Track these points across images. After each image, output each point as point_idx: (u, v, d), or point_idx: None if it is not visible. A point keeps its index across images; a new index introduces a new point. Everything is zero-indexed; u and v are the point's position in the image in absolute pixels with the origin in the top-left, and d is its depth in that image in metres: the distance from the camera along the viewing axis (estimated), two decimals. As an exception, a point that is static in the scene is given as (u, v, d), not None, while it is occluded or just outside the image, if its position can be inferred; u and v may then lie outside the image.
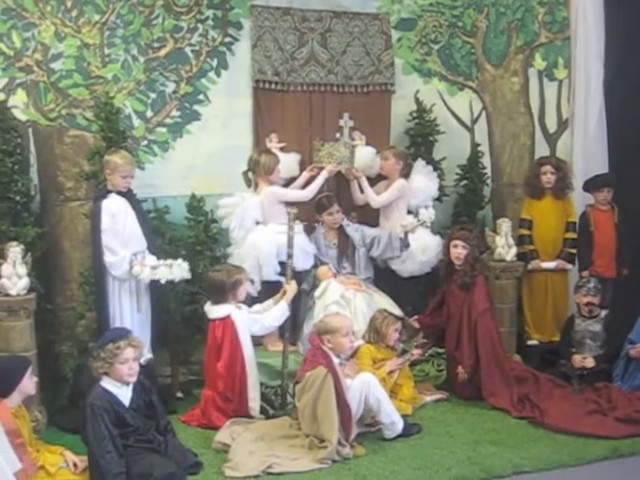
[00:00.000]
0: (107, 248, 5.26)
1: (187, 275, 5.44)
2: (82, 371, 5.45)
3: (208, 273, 5.44)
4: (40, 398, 5.19)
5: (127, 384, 4.40)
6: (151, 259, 5.40)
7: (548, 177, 6.52)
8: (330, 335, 4.91)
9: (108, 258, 5.27)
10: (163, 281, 5.32)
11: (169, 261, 5.38)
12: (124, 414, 4.31)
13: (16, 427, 4.00)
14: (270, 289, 5.89)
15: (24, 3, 5.81)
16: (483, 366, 5.50)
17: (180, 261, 5.42)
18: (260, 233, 5.92)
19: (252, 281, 5.76)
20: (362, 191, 6.42)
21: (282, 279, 5.86)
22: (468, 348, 5.56)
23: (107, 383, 4.35)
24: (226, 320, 5.20)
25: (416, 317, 5.94)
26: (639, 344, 5.54)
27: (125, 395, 4.38)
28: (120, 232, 5.31)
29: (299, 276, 6.12)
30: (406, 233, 6.22)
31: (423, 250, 6.29)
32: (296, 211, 5.60)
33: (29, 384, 4.22)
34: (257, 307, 5.51)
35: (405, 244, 6.22)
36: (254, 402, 5.18)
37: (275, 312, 5.40)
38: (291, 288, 5.50)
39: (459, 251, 5.74)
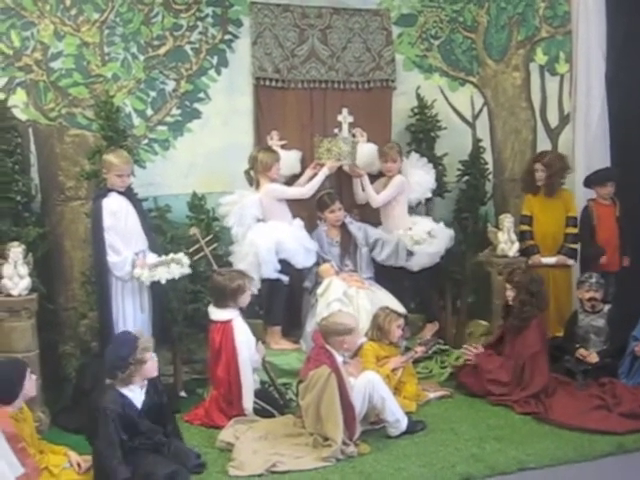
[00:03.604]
0: (111, 247, 5.24)
1: (187, 270, 5.42)
2: (85, 371, 5.47)
3: (213, 274, 5.40)
4: (43, 398, 5.18)
5: (141, 387, 4.38)
6: (152, 257, 5.38)
7: (539, 174, 6.51)
8: (349, 336, 4.90)
9: (112, 258, 5.25)
10: (163, 281, 5.31)
11: (170, 256, 5.36)
12: (135, 419, 4.28)
13: (16, 432, 3.98)
14: (270, 287, 5.88)
15: (23, 2, 5.80)
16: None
17: (181, 255, 5.40)
18: (259, 231, 5.90)
19: (252, 279, 5.74)
20: (363, 189, 6.41)
21: (282, 277, 5.85)
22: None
23: (122, 388, 4.32)
24: (226, 325, 5.17)
25: (471, 354, 5.81)
26: (644, 340, 5.53)
27: (138, 398, 4.36)
28: (121, 231, 5.30)
29: (300, 273, 6.11)
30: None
31: (436, 237, 6.27)
32: (198, 230, 5.62)
33: (30, 386, 4.19)
34: None
35: (411, 254, 6.21)
36: (248, 403, 5.14)
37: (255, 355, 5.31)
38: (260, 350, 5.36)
39: (508, 293, 5.76)
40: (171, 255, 5.39)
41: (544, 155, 6.68)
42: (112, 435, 4.14)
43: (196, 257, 5.54)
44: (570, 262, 6.54)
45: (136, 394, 4.36)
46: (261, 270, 5.81)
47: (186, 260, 5.41)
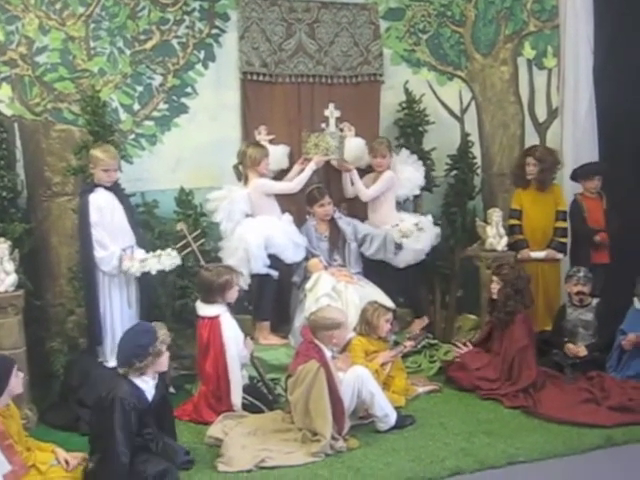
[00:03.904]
0: (98, 242, 5.22)
1: (178, 261, 5.41)
2: (72, 367, 5.44)
3: (200, 270, 5.38)
4: (30, 395, 5.15)
5: (153, 379, 4.35)
6: (140, 252, 5.36)
7: (531, 168, 6.52)
8: (337, 330, 4.89)
9: (98, 253, 5.22)
10: (154, 272, 5.29)
11: (158, 252, 5.35)
12: (145, 413, 4.26)
13: (3, 429, 3.94)
14: (260, 282, 5.86)
15: (7, -4, 5.75)
16: None
17: (169, 250, 5.39)
18: (248, 226, 5.88)
19: (241, 274, 5.73)
20: (352, 184, 6.40)
21: (272, 272, 5.84)
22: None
23: (135, 378, 4.29)
24: (214, 320, 5.15)
25: (460, 351, 5.82)
26: (631, 335, 5.53)
27: (150, 390, 4.33)
28: (108, 226, 5.27)
29: (289, 268, 6.10)
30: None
31: (417, 238, 6.26)
32: (186, 225, 5.60)
33: (16, 383, 4.13)
34: None
35: (399, 247, 6.20)
36: (236, 399, 5.12)
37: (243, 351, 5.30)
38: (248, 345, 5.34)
39: (493, 286, 5.77)
40: (159, 251, 5.36)
41: (535, 149, 6.68)
42: (128, 426, 4.12)
43: (183, 252, 5.52)
44: (559, 256, 6.56)
45: (149, 386, 4.33)
46: (250, 265, 5.80)
47: (175, 253, 5.40)
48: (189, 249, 5.55)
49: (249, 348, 5.29)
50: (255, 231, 5.83)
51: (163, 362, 4.36)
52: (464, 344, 5.91)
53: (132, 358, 4.26)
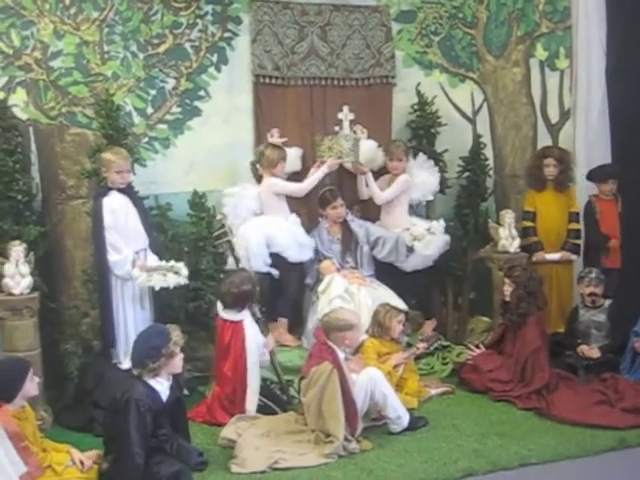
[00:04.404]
0: (111, 246, 5.25)
1: (183, 281, 5.37)
2: (87, 370, 5.47)
3: (228, 281, 5.28)
4: (45, 397, 5.18)
5: (168, 380, 4.39)
6: (153, 259, 5.39)
7: (550, 170, 6.51)
8: (350, 332, 4.90)
9: (112, 257, 5.25)
10: (157, 288, 5.29)
11: (170, 263, 5.36)
12: (160, 414, 4.29)
13: (19, 430, 3.97)
14: (261, 280, 5.87)
15: (22, 1, 5.80)
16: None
17: (181, 265, 5.37)
18: (251, 224, 5.92)
19: None
20: (367, 185, 6.41)
21: (272, 270, 5.84)
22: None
23: (150, 379, 4.32)
24: (238, 324, 5.16)
25: (472, 354, 5.83)
26: (644, 335, 5.53)
27: (165, 392, 4.37)
28: (122, 229, 5.30)
29: (295, 267, 6.09)
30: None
31: (426, 244, 6.27)
32: (224, 217, 5.65)
33: (31, 386, 4.17)
34: None
35: (411, 250, 6.21)
36: (251, 405, 5.13)
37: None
38: (269, 342, 5.36)
39: (505, 288, 5.77)
40: (172, 262, 5.38)
41: (551, 150, 6.68)
42: (143, 427, 4.15)
43: (219, 241, 5.60)
44: (573, 257, 6.54)
45: (164, 388, 4.36)
46: (251, 263, 5.81)
47: (185, 271, 5.37)
48: (225, 239, 5.59)
49: (270, 346, 5.31)
50: (257, 229, 5.86)
51: (176, 363, 4.39)
52: (476, 346, 5.91)
53: (145, 359, 4.30)
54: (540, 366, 5.46)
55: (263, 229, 5.90)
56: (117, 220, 5.28)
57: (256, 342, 5.17)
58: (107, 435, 4.40)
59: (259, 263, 5.83)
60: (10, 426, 3.95)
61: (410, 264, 6.29)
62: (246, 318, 5.20)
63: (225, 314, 5.23)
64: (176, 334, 4.40)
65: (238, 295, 5.17)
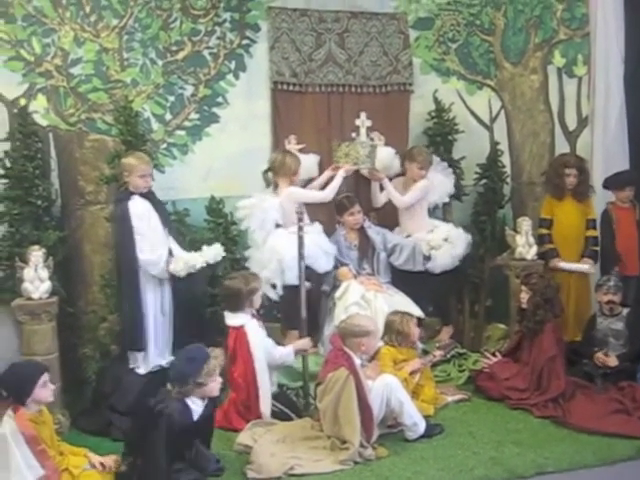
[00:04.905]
0: (145, 245, 5.28)
1: (222, 253, 5.48)
2: (104, 374, 5.51)
3: (224, 281, 5.40)
4: (63, 401, 5.23)
5: (202, 400, 4.43)
6: (184, 255, 5.42)
7: (572, 179, 6.50)
8: (366, 338, 4.91)
9: (147, 255, 5.27)
10: (198, 266, 5.34)
11: (194, 254, 5.42)
12: (189, 429, 4.33)
13: (35, 434, 3.99)
14: (292, 293, 5.88)
15: (44, 9, 5.87)
16: None
17: (205, 247, 5.46)
18: (281, 236, 5.90)
19: (274, 285, 5.77)
20: (381, 191, 6.42)
21: (306, 283, 5.84)
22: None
23: (187, 399, 4.37)
24: (239, 330, 5.18)
25: (489, 362, 5.81)
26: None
27: (198, 410, 4.41)
28: (147, 233, 5.34)
29: (319, 278, 6.11)
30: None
31: (453, 244, 6.27)
32: (302, 210, 5.53)
33: (43, 392, 4.14)
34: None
35: (428, 259, 6.21)
36: (265, 407, 5.14)
37: (282, 351, 5.33)
38: (305, 342, 5.41)
39: (522, 295, 5.76)
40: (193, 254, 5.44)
41: (572, 159, 6.65)
42: (171, 442, 4.19)
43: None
44: (588, 269, 6.48)
45: (197, 407, 4.41)
46: (284, 277, 5.79)
47: (218, 245, 5.48)
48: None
49: (307, 345, 5.37)
50: (288, 242, 5.82)
51: (210, 390, 4.42)
52: (493, 354, 5.89)
53: (174, 381, 4.38)
54: (556, 374, 5.43)
55: (294, 241, 5.87)
56: (142, 224, 5.31)
57: (262, 346, 5.18)
58: (129, 439, 4.43)
59: (293, 276, 5.71)
60: (27, 430, 3.98)
61: (439, 265, 6.28)
62: (247, 322, 5.20)
63: (229, 320, 5.26)
64: (213, 363, 4.41)
65: (247, 292, 5.20)
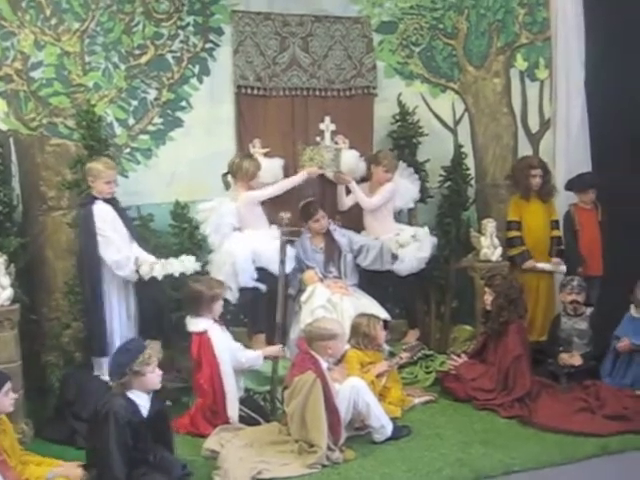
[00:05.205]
0: (110, 246, 5.25)
1: (197, 267, 5.49)
2: (68, 381, 5.43)
3: (188, 282, 5.39)
4: (26, 410, 5.14)
5: (147, 394, 4.35)
6: (151, 258, 5.39)
7: (537, 180, 6.58)
8: (333, 341, 4.91)
9: (114, 256, 5.25)
10: (177, 274, 5.35)
11: (170, 259, 5.42)
12: (140, 427, 4.25)
13: (-7, 445, 3.95)
14: (247, 295, 5.86)
15: (2, 12, 5.77)
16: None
17: (183, 257, 5.48)
18: (236, 240, 5.90)
19: (230, 288, 5.75)
20: (347, 194, 6.43)
21: (260, 285, 5.83)
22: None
23: (129, 392, 4.29)
24: (202, 335, 5.15)
25: (455, 364, 5.84)
26: (625, 338, 5.56)
27: (145, 405, 4.33)
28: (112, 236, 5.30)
29: (275, 280, 6.08)
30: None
31: (419, 246, 6.29)
32: (289, 215, 5.53)
33: (4, 401, 4.08)
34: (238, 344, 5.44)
35: (395, 258, 6.23)
36: (232, 411, 5.12)
37: (250, 355, 5.32)
38: (275, 349, 5.39)
39: (486, 297, 5.81)
40: (171, 259, 5.42)
41: (537, 160, 6.74)
42: (124, 442, 4.12)
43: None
44: (563, 269, 6.54)
45: (143, 400, 4.32)
46: (238, 279, 5.80)
47: (193, 258, 5.49)
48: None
49: (278, 352, 5.35)
50: (243, 245, 5.84)
51: (148, 382, 4.32)
52: (458, 356, 5.93)
53: (112, 374, 4.34)
54: (522, 373, 5.48)
55: (249, 244, 5.88)
56: (106, 226, 5.28)
57: (226, 350, 5.15)
58: (89, 448, 4.37)
59: (246, 278, 5.81)
60: (-15, 441, 3.91)
61: (405, 268, 6.29)
62: (209, 327, 5.17)
63: (192, 326, 5.23)
64: (149, 352, 4.32)
65: (209, 297, 5.18)
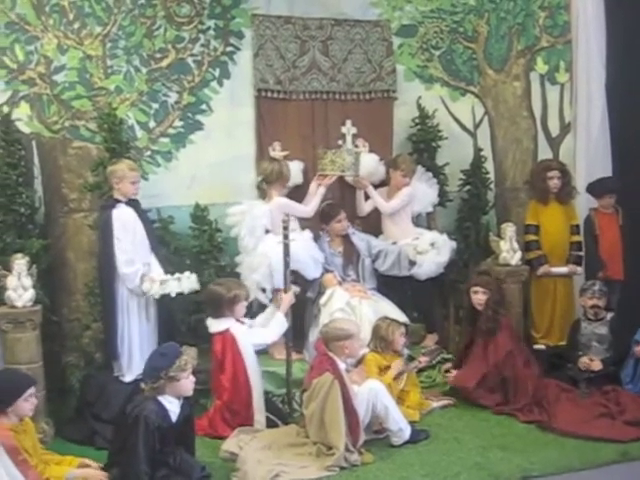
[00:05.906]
0: (124, 258, 5.27)
1: (196, 286, 5.46)
2: (89, 382, 5.48)
3: (208, 285, 5.41)
4: (47, 410, 5.19)
5: (178, 399, 4.40)
6: (159, 273, 5.41)
7: (555, 182, 6.53)
8: (349, 341, 4.91)
9: (125, 269, 5.28)
10: (173, 294, 5.34)
11: (176, 275, 5.40)
12: (168, 432, 4.29)
13: (15, 444, 3.96)
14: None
15: (27, 17, 5.85)
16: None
17: (188, 274, 5.44)
18: (271, 242, 5.90)
19: (264, 290, 5.78)
20: (366, 200, 6.44)
21: (294, 287, 5.84)
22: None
23: (161, 397, 4.34)
24: (225, 334, 5.18)
25: (450, 375, 5.82)
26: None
27: (175, 411, 4.38)
28: (131, 242, 5.33)
29: (307, 284, 6.10)
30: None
31: (438, 251, 6.29)
32: (287, 218, 5.54)
33: (25, 406, 4.13)
34: (259, 319, 5.49)
35: (413, 264, 6.23)
36: (260, 414, 5.15)
37: (274, 326, 5.35)
38: (287, 297, 5.44)
39: (480, 297, 5.79)
40: (177, 274, 5.41)
41: (554, 162, 6.71)
42: (151, 444, 4.17)
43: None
44: (579, 270, 6.54)
45: (173, 406, 4.37)
46: (274, 280, 5.79)
47: (194, 277, 5.45)
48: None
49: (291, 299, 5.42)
50: (278, 247, 5.83)
51: (182, 387, 4.38)
52: (424, 354, 5.95)
53: (146, 377, 4.37)
54: (515, 370, 5.51)
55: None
56: (127, 232, 5.31)
57: (250, 342, 5.19)
58: (113, 448, 4.41)
59: (282, 279, 5.77)
60: (7, 440, 3.95)
61: (425, 272, 6.29)
62: (232, 325, 5.21)
63: (213, 327, 5.25)
64: (185, 358, 4.38)
65: (228, 299, 5.20)
